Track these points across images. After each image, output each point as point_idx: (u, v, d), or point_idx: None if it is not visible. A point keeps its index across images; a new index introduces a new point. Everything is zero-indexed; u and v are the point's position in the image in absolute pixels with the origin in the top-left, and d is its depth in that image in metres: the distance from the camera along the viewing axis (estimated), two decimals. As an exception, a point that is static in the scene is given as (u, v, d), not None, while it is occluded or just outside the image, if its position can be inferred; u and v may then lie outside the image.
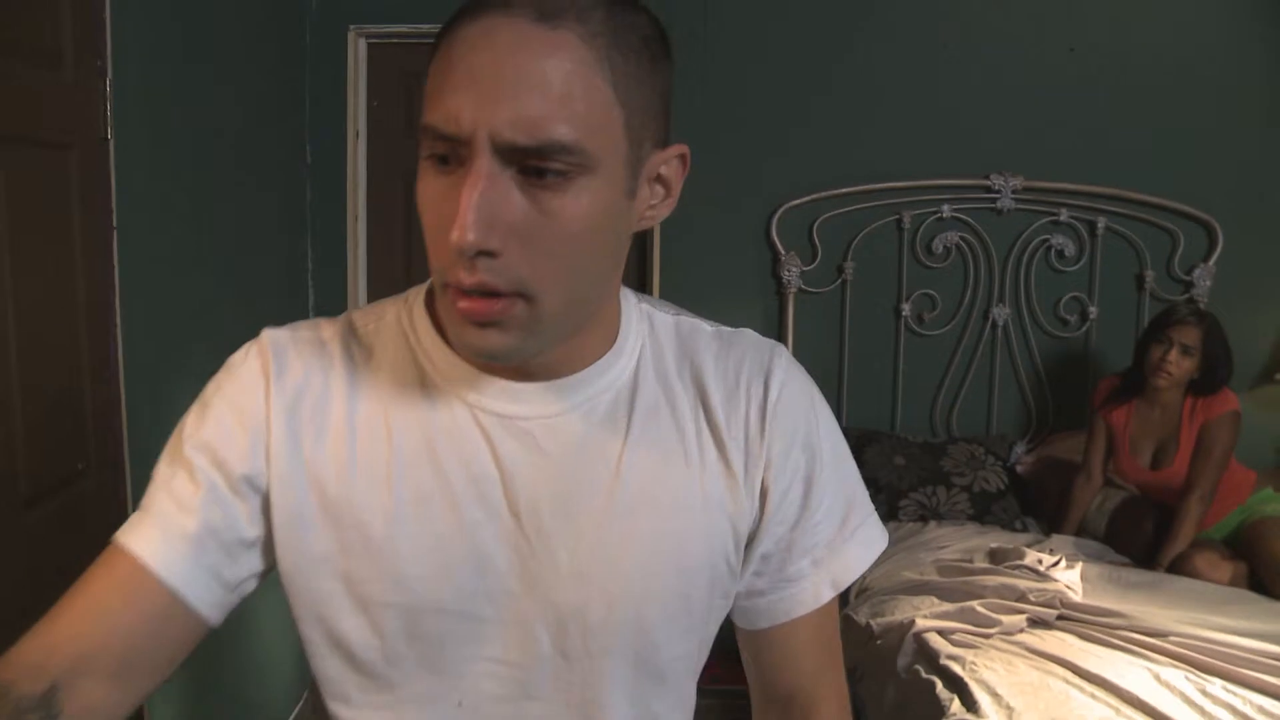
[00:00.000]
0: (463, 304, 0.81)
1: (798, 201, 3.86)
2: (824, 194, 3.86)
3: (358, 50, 3.82)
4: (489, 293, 0.80)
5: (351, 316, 0.99)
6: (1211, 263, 3.90)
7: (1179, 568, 3.14)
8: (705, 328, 1.04)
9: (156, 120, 2.46)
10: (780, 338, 3.90)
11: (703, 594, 0.98)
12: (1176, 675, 2.44)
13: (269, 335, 0.96)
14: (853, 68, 3.87)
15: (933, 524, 3.56)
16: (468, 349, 0.85)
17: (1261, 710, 2.29)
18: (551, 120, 0.76)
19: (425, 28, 3.70)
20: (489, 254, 0.78)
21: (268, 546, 0.93)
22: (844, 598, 3.27)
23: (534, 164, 0.78)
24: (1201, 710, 2.29)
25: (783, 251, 3.88)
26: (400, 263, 3.92)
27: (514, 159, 0.77)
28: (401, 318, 0.97)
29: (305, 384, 0.93)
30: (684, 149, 0.93)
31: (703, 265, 3.92)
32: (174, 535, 0.88)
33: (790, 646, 1.06)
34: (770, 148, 3.89)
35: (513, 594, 0.93)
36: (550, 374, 0.93)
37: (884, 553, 3.23)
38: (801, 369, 1.06)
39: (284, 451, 0.91)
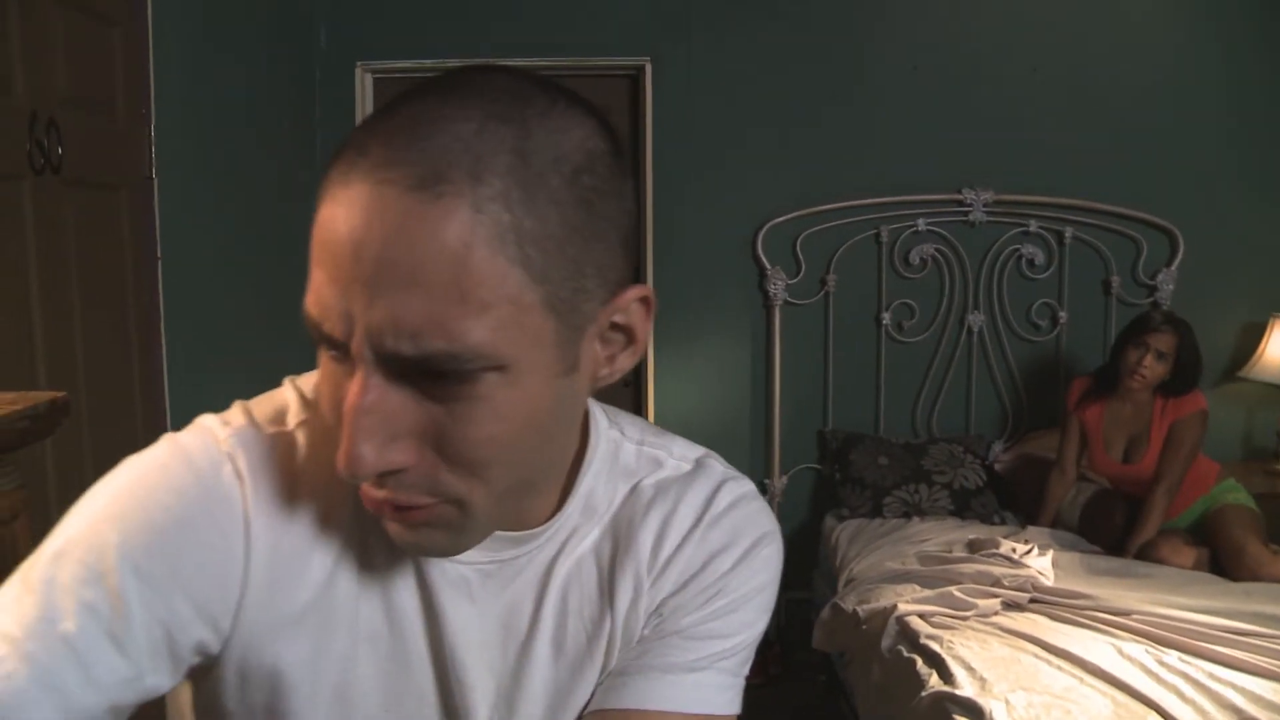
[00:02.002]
0: (377, 496, 0.69)
1: (781, 219, 4.08)
2: (806, 211, 4.08)
3: (364, 85, 4.05)
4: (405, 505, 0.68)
5: (307, 416, 0.80)
6: (1174, 267, 4.13)
7: (1146, 554, 3.33)
8: (667, 463, 0.92)
9: (193, 158, 2.70)
10: (768, 348, 4.13)
11: None
12: (1137, 649, 2.65)
13: (238, 442, 0.76)
14: (830, 92, 4.10)
15: (915, 519, 3.78)
16: (396, 543, 0.73)
17: (1212, 677, 2.50)
18: (439, 324, 0.61)
19: (428, 64, 3.92)
20: (395, 471, 0.66)
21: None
22: (833, 587, 3.49)
23: (429, 370, 0.63)
24: (1158, 678, 2.49)
25: (768, 266, 4.09)
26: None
27: (403, 366, 0.63)
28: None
29: (289, 502, 0.76)
30: (645, 291, 0.73)
31: (693, 282, 4.13)
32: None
33: None
34: (754, 169, 4.11)
35: None
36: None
37: (869, 546, 3.44)
38: (758, 513, 0.92)
39: (260, 600, 0.75)
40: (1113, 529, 3.51)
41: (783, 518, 4.24)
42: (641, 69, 4.05)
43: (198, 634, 0.72)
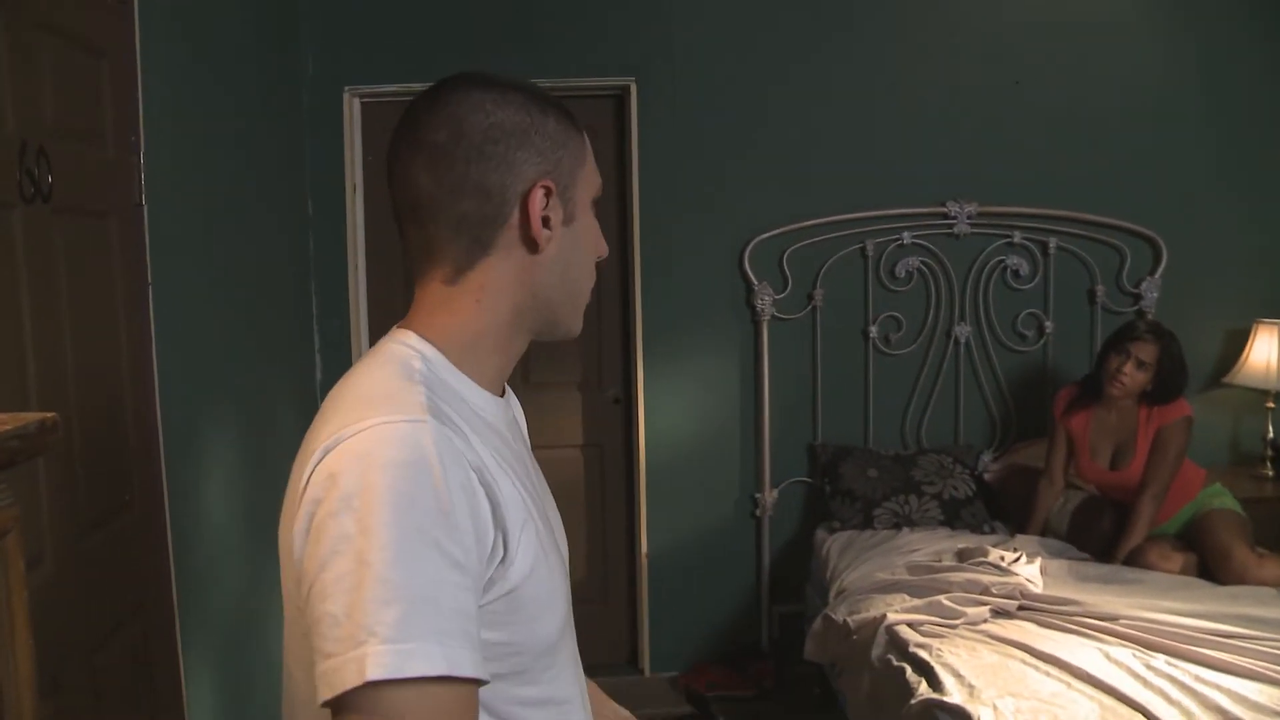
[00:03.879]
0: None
1: (768, 234, 4.12)
2: (792, 226, 4.12)
3: (353, 109, 4.10)
4: None
5: (424, 385, 1.00)
6: (1157, 275, 4.17)
7: (1134, 560, 3.37)
8: None
9: (183, 185, 2.73)
10: (756, 363, 4.18)
11: None
12: (1124, 653, 2.68)
13: (445, 438, 0.93)
14: (814, 108, 4.15)
15: (905, 530, 3.81)
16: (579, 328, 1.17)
17: (1199, 679, 2.53)
18: None
19: (415, 87, 3.95)
20: None
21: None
22: (824, 599, 3.51)
23: None
24: (1145, 682, 2.52)
25: (755, 282, 4.13)
26: (399, 306, 4.14)
27: None
28: (434, 379, 1.02)
29: (482, 453, 0.99)
30: None
31: (681, 297, 4.17)
32: (477, 644, 0.89)
33: None
34: (740, 186, 4.16)
35: (559, 547, 1.15)
36: (501, 391, 1.15)
37: (860, 557, 3.51)
38: None
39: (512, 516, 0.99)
40: (1101, 536, 3.54)
41: (774, 531, 4.28)
42: (626, 89, 4.10)
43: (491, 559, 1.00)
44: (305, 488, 0.90)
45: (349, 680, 0.81)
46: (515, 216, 1.05)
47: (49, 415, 1.02)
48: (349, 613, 0.82)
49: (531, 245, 1.06)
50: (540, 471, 1.22)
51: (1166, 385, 3.44)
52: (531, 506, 1.04)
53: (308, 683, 0.88)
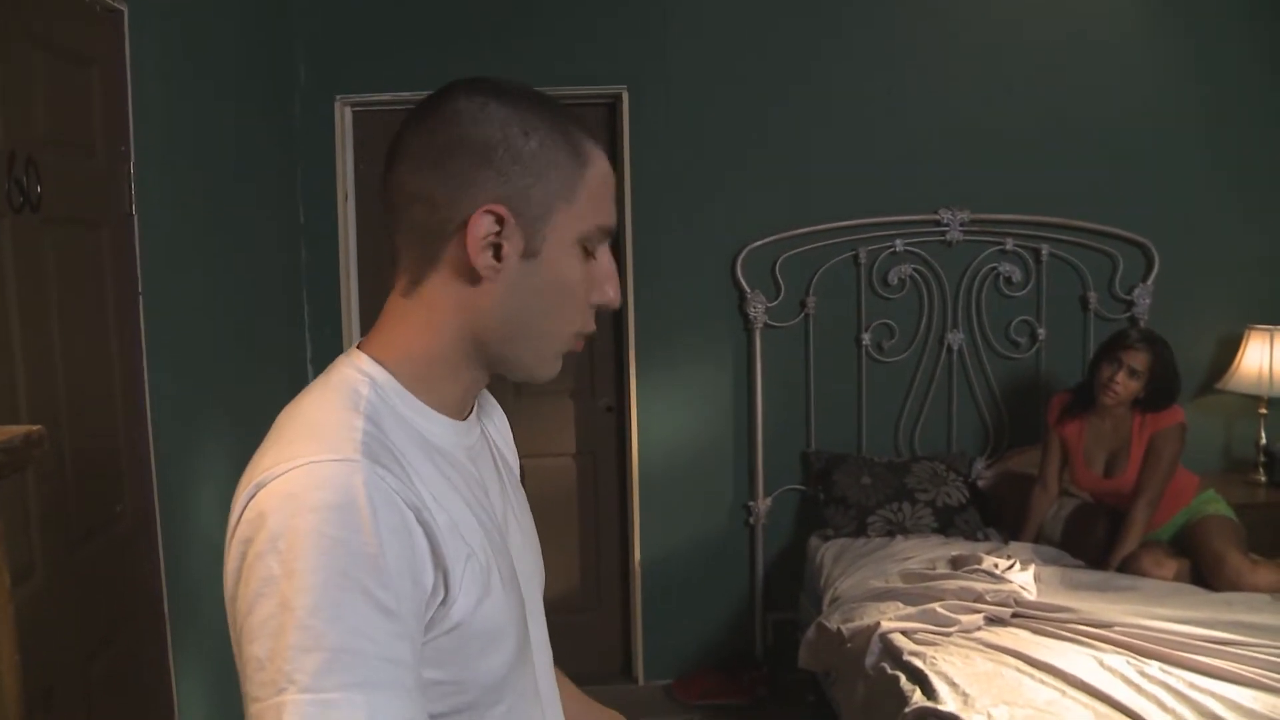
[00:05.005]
0: (591, 330, 1.06)
1: (760, 242, 4.12)
2: (785, 234, 4.12)
3: (344, 118, 4.09)
4: None
5: (368, 416, 0.96)
6: (1150, 282, 4.18)
7: (1128, 567, 3.37)
8: None
9: (174, 194, 2.72)
10: (749, 371, 4.18)
11: None
12: (1119, 660, 2.68)
13: (377, 479, 0.89)
14: (807, 116, 4.15)
15: (899, 538, 3.80)
16: (553, 374, 1.08)
17: (1193, 686, 2.53)
18: None
19: (405, 95, 3.96)
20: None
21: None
22: (818, 607, 3.50)
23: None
24: (1139, 689, 2.52)
25: (748, 290, 4.13)
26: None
27: None
28: (381, 407, 0.98)
29: (421, 490, 0.94)
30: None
31: (673, 305, 4.17)
32: (410, 692, 0.87)
33: None
34: (732, 193, 4.15)
35: (521, 576, 1.10)
36: (466, 413, 1.09)
37: (854, 565, 3.52)
38: None
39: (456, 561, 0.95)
40: (1095, 542, 3.54)
41: (768, 540, 4.27)
42: (618, 97, 4.10)
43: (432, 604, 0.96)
44: (237, 525, 0.88)
45: None
46: (458, 236, 0.98)
47: (34, 428, 1.01)
48: (271, 657, 0.81)
49: (471, 274, 0.98)
50: (519, 490, 1.20)
51: (1159, 392, 3.45)
52: (483, 534, 1.00)
53: None
